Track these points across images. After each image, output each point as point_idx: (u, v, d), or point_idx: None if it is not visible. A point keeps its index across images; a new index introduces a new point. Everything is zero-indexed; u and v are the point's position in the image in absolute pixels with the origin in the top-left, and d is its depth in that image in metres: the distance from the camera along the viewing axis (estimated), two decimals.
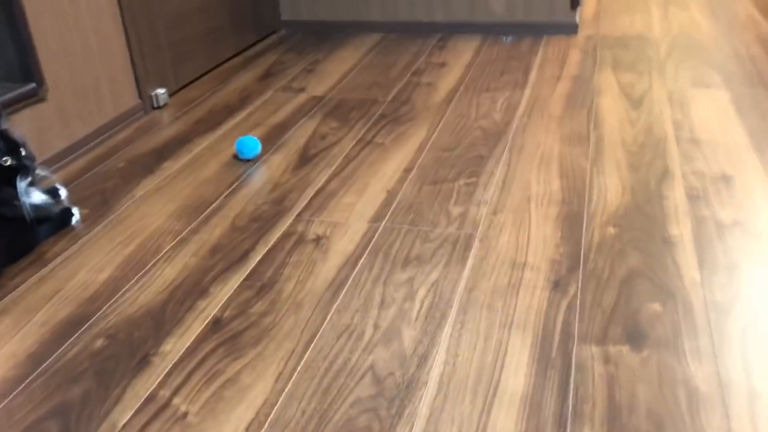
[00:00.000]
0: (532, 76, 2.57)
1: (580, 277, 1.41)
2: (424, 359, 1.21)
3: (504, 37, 3.05)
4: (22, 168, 1.58)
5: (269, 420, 1.10)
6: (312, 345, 1.26)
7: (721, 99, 2.26)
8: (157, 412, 1.13)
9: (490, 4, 3.08)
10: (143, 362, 1.24)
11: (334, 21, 3.28)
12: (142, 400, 1.16)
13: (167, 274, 1.50)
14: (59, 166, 2.01)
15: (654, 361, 1.18)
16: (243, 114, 2.36)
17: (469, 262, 1.48)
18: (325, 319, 1.33)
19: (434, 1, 3.13)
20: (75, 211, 1.73)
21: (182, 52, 2.60)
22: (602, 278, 1.41)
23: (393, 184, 1.83)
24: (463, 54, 2.86)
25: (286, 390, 1.16)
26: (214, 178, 1.91)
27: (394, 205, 1.72)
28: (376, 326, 1.30)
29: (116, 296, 1.43)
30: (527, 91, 2.42)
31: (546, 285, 1.40)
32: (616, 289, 1.37)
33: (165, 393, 1.17)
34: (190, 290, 1.44)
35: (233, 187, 1.86)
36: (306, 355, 1.24)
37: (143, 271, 1.51)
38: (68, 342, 1.30)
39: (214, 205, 1.77)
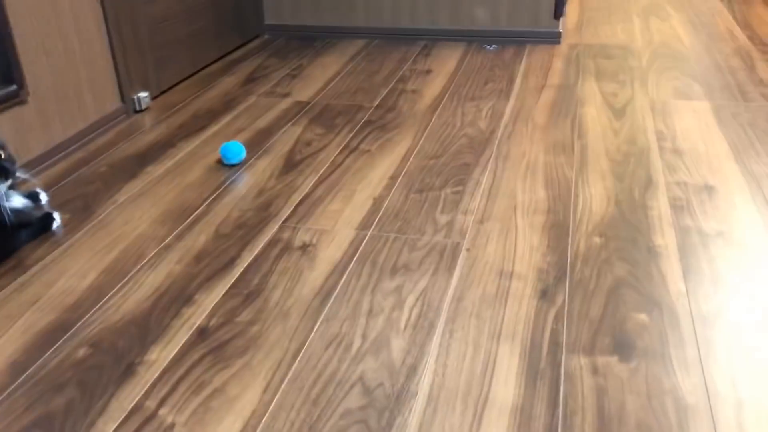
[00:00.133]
0: (517, 84, 2.58)
1: (567, 286, 1.42)
2: (413, 370, 1.21)
3: (488, 45, 3.07)
4: (2, 171, 1.55)
5: (258, 431, 1.09)
6: (300, 355, 1.25)
7: (703, 110, 2.28)
8: (143, 423, 1.11)
9: (474, 12, 3.09)
10: (128, 372, 1.22)
11: (318, 26, 3.27)
12: (128, 411, 1.14)
13: (151, 281, 1.48)
14: (40, 169, 1.97)
15: (642, 372, 1.19)
16: (227, 118, 2.34)
17: (457, 271, 1.48)
18: (312, 328, 1.32)
19: (419, 8, 3.13)
20: (56, 216, 1.70)
21: (165, 55, 2.57)
22: (589, 288, 1.41)
23: (379, 191, 1.82)
24: (447, 61, 2.87)
25: (274, 401, 1.15)
26: (198, 184, 1.89)
27: (380, 213, 1.71)
28: (364, 336, 1.29)
29: (99, 303, 1.41)
30: (512, 100, 2.43)
31: (534, 294, 1.40)
32: (603, 299, 1.38)
33: (151, 404, 1.15)
34: (175, 298, 1.42)
35: (218, 192, 1.84)
36: (294, 365, 1.23)
37: (127, 278, 1.49)
38: (51, 350, 1.28)
39: (198, 211, 1.75)
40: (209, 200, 1.80)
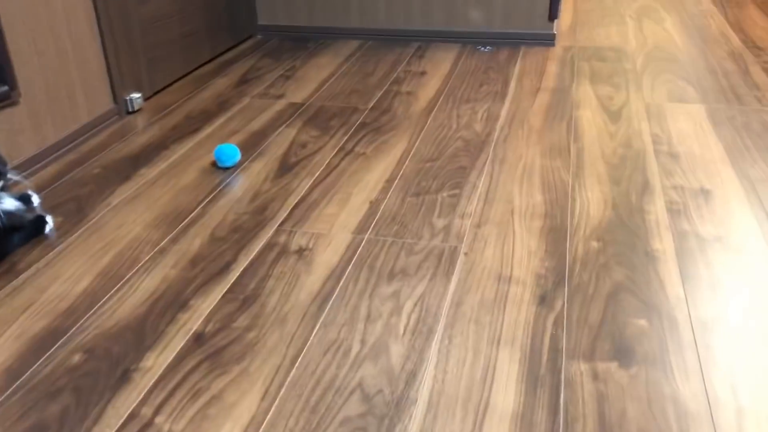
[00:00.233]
0: (511, 87, 2.58)
1: (566, 291, 1.41)
2: (412, 376, 1.20)
3: (482, 47, 3.06)
4: None
5: None
6: (298, 361, 1.24)
7: (697, 113, 2.29)
8: (139, 431, 1.10)
9: (468, 14, 3.09)
10: (123, 378, 1.21)
11: (311, 26, 3.25)
12: (124, 419, 1.12)
13: (146, 285, 1.46)
14: (31, 171, 1.95)
15: (642, 379, 1.18)
16: (220, 120, 2.32)
17: (455, 275, 1.47)
18: (310, 333, 1.31)
19: (413, 9, 3.13)
20: (48, 219, 1.68)
21: (157, 55, 2.55)
22: (588, 293, 1.41)
23: (376, 194, 1.81)
24: (442, 63, 2.86)
25: (272, 408, 1.14)
26: (192, 186, 1.88)
27: (377, 217, 1.70)
28: (363, 341, 1.28)
29: (94, 309, 1.39)
30: (507, 102, 2.42)
31: (532, 299, 1.39)
32: (602, 305, 1.37)
33: (147, 411, 1.14)
34: (171, 303, 1.40)
35: (212, 195, 1.83)
36: (292, 372, 1.21)
37: (121, 283, 1.47)
38: (45, 356, 1.26)
39: (193, 214, 1.74)
40: (204, 203, 1.79)
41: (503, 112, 2.33)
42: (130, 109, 2.37)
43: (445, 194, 1.80)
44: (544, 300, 1.39)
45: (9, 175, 1.62)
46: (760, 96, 2.42)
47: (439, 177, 1.90)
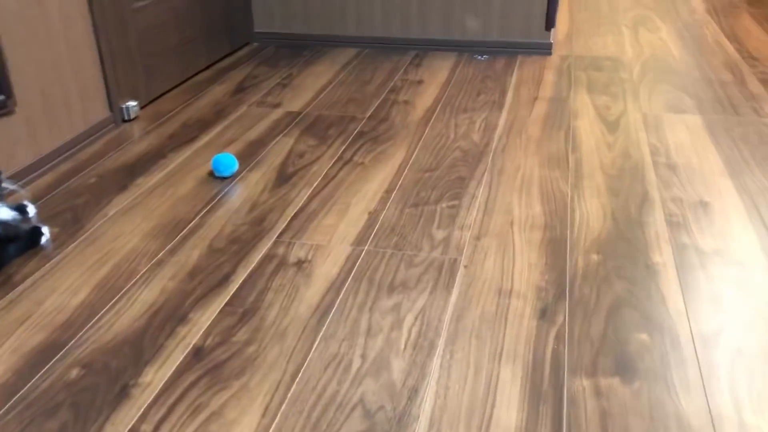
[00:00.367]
0: (509, 96, 2.58)
1: (567, 305, 1.41)
2: (414, 392, 1.19)
3: (479, 56, 3.06)
4: None
5: None
6: (299, 376, 1.23)
7: (695, 124, 2.29)
8: None
9: (465, 22, 3.09)
10: (122, 394, 1.19)
11: (308, 34, 3.25)
12: None
13: (144, 298, 1.45)
14: (27, 180, 1.93)
15: (645, 394, 1.18)
16: (217, 129, 2.31)
17: (455, 288, 1.47)
18: (311, 348, 1.30)
19: (410, 17, 3.12)
20: (45, 229, 1.66)
21: (154, 63, 2.54)
22: (589, 307, 1.40)
23: (374, 205, 1.80)
24: (439, 72, 2.86)
25: (273, 425, 1.12)
26: (190, 196, 1.86)
27: (376, 228, 1.70)
28: (363, 356, 1.27)
29: (91, 322, 1.38)
30: (504, 112, 2.42)
31: (533, 313, 1.39)
32: (604, 319, 1.37)
33: (147, 428, 1.12)
34: (170, 316, 1.39)
35: (210, 205, 1.82)
36: (293, 387, 1.20)
37: (119, 295, 1.46)
38: (42, 371, 1.25)
39: (191, 225, 1.72)
40: (202, 213, 1.78)
41: (501, 122, 2.33)
42: (127, 118, 2.36)
43: (444, 205, 1.80)
44: (545, 314, 1.38)
45: (4, 185, 1.61)
46: (757, 107, 2.42)
47: (438, 187, 1.89)
